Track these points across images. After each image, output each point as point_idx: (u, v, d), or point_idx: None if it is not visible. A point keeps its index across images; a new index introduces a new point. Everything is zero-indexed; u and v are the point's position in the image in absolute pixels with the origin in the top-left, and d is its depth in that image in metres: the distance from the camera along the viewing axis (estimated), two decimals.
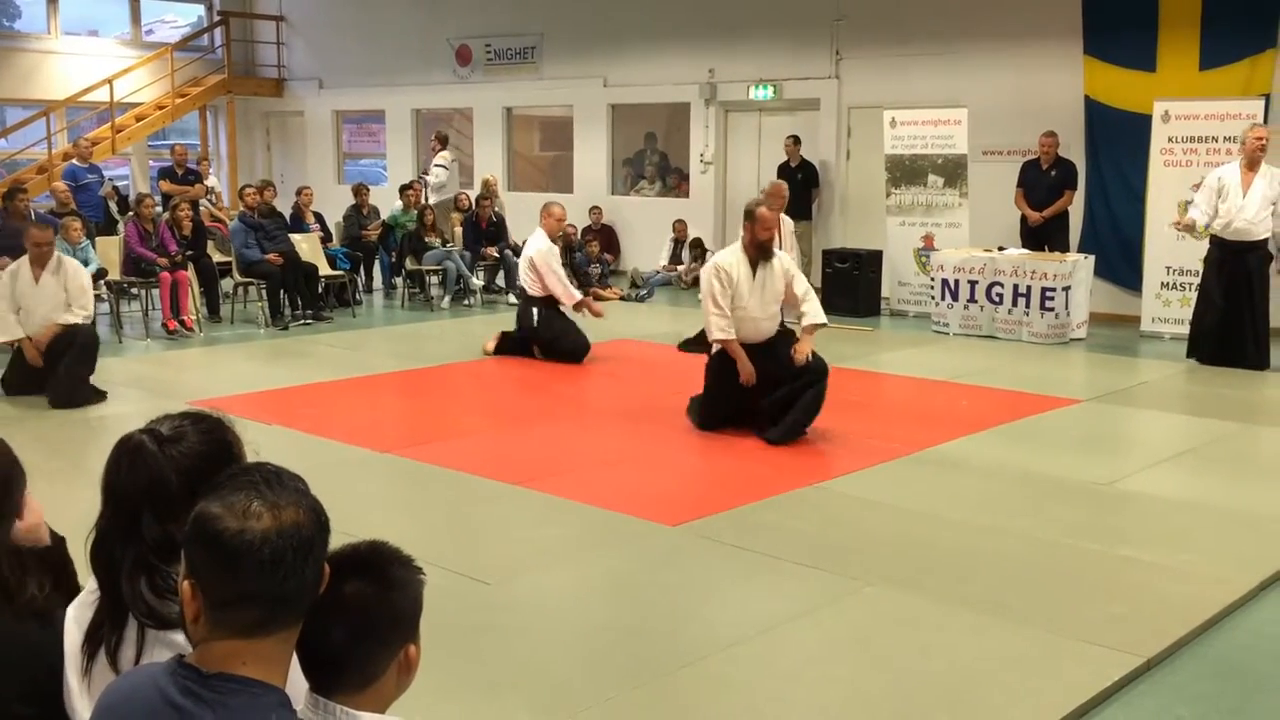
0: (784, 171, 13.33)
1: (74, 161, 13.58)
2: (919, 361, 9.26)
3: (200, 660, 1.60)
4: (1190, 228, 9.13)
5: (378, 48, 17.83)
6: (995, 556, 4.78)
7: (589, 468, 6.20)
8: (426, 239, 12.67)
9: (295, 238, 11.81)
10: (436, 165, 14.62)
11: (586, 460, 6.38)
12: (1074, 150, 11.43)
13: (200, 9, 20.26)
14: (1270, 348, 8.94)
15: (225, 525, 1.57)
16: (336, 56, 18.61)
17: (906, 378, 8.68)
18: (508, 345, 9.47)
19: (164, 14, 20.91)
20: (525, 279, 9.44)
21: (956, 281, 10.72)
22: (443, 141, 15.00)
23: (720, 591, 4.43)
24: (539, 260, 9.31)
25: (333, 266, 12.32)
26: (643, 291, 13.40)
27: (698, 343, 8.35)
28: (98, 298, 9.03)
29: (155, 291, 10.70)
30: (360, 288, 13.00)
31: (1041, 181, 11.22)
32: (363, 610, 1.67)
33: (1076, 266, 10.34)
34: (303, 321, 11.17)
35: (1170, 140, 10.30)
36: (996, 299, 10.50)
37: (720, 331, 6.68)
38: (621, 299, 13.11)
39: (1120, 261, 11.35)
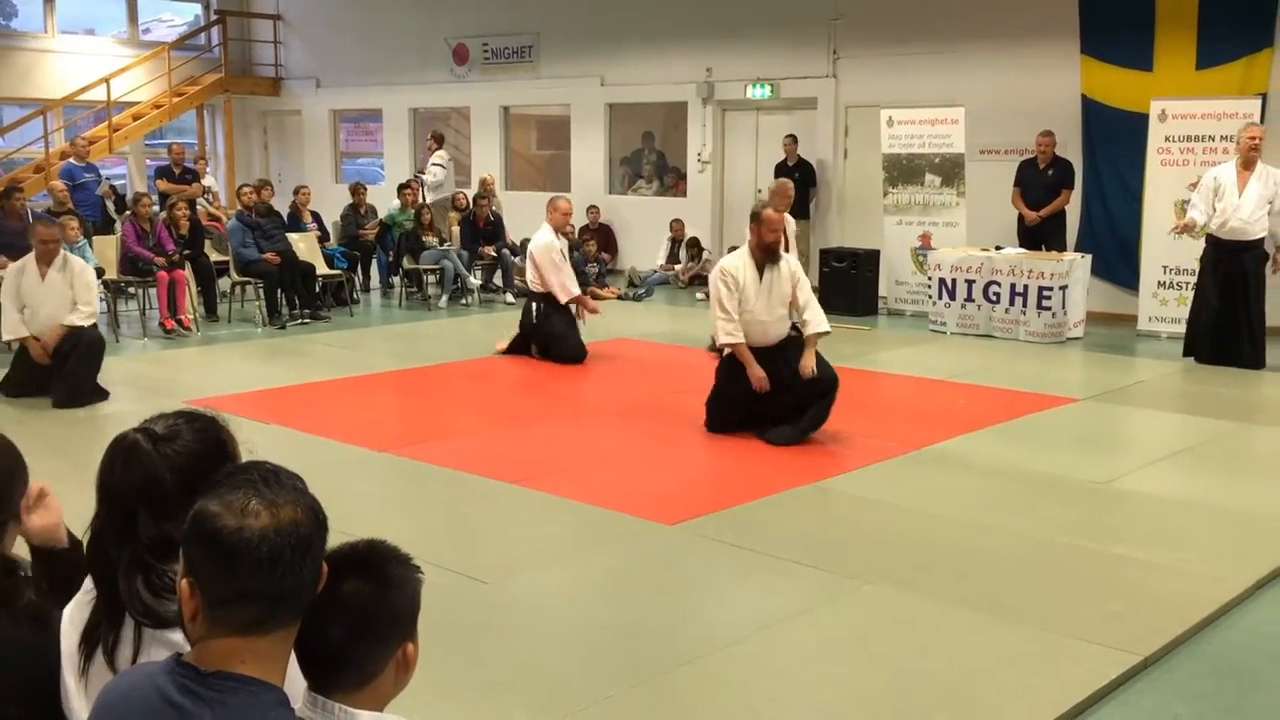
0: (781, 170, 13.33)
1: (71, 160, 13.57)
2: (916, 360, 9.27)
3: (198, 659, 1.60)
4: (1189, 228, 9.14)
5: (375, 47, 17.82)
6: (992, 555, 4.78)
7: (586, 467, 6.20)
8: (424, 238, 12.66)
9: (292, 237, 11.80)
10: (434, 164, 14.61)
11: (584, 459, 6.38)
12: (1071, 149, 11.44)
13: (197, 8, 20.24)
14: (1266, 347, 8.95)
15: (223, 523, 1.57)
16: (334, 55, 18.60)
17: (904, 377, 8.68)
18: (518, 345, 9.45)
19: (161, 13, 20.90)
20: (528, 273, 9.45)
21: (954, 281, 10.73)
22: (439, 140, 15.00)
23: (718, 590, 4.44)
24: (538, 254, 9.32)
25: (330, 266, 12.31)
26: (640, 291, 13.41)
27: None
28: None
29: (152, 291, 10.68)
30: (357, 287, 12.99)
31: (1038, 181, 11.23)
32: (361, 609, 1.67)
33: (1073, 266, 10.35)
34: (300, 321, 11.17)
35: (1167, 140, 10.31)
36: (993, 298, 10.51)
37: (728, 336, 6.65)
38: (619, 298, 13.11)
39: (1117, 261, 11.36)
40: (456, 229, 13.36)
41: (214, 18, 19.51)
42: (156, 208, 11.96)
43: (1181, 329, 9.50)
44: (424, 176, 14.54)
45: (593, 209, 14.92)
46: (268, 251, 11.18)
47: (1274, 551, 4.81)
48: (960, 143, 11.53)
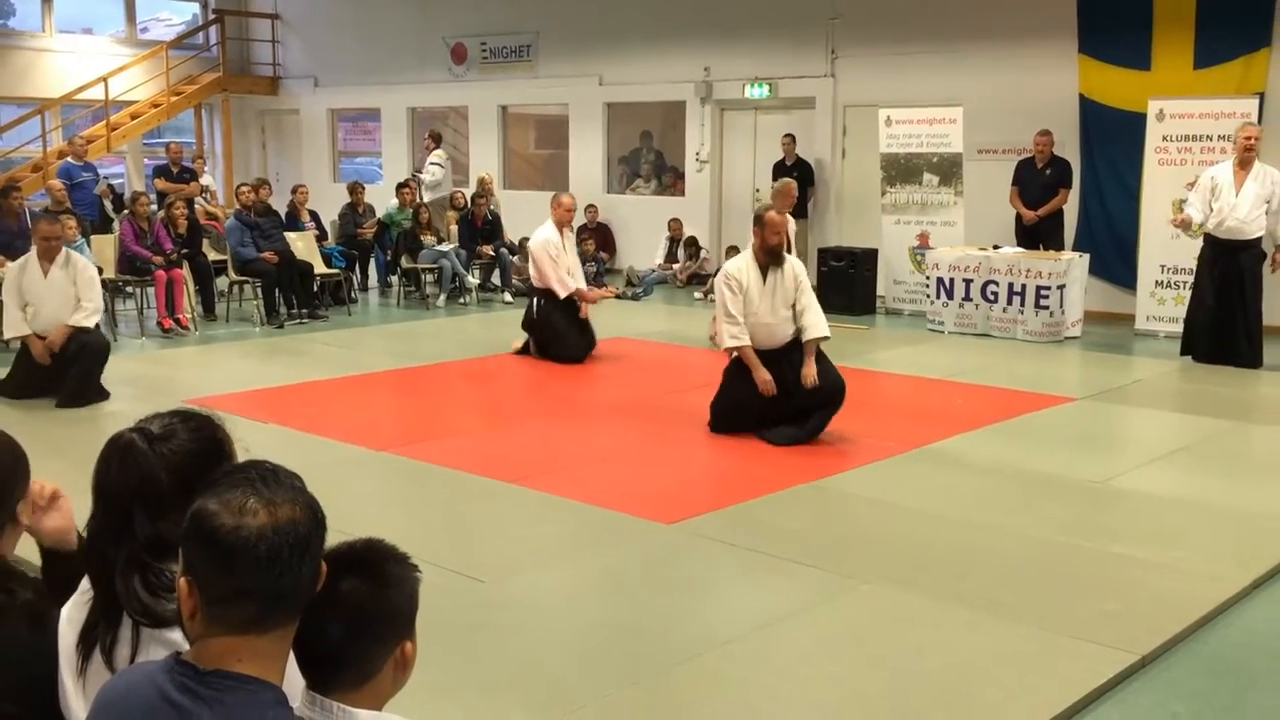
0: (780, 170, 13.33)
1: (69, 159, 13.57)
2: (914, 360, 9.27)
3: (197, 657, 1.61)
4: (1186, 225, 9.15)
5: (373, 46, 17.81)
6: (990, 554, 4.79)
7: (584, 466, 6.20)
8: (421, 237, 12.66)
9: (290, 236, 11.80)
10: (432, 163, 14.61)
11: (582, 458, 6.38)
12: (1069, 149, 11.45)
13: (195, 7, 20.23)
14: (1264, 346, 8.96)
15: (221, 522, 1.57)
16: (332, 55, 18.59)
17: (902, 376, 8.69)
18: (529, 346, 9.43)
19: (159, 12, 20.88)
20: (530, 270, 9.46)
21: (951, 280, 10.73)
22: (436, 140, 15.00)
23: (716, 589, 4.44)
24: (534, 249, 9.35)
25: (328, 265, 12.31)
26: (638, 290, 13.41)
27: None
28: None
29: (150, 290, 10.68)
30: (355, 286, 12.99)
31: (1036, 180, 11.24)
32: (359, 607, 1.67)
33: (1071, 265, 10.35)
34: (298, 320, 11.16)
35: (1165, 139, 10.32)
36: (991, 297, 10.51)
37: (733, 339, 6.63)
38: (617, 297, 13.11)
39: (1115, 260, 11.36)
40: (454, 228, 13.36)
41: (212, 17, 19.50)
42: (154, 207, 11.95)
43: (1179, 328, 9.51)
44: (422, 176, 14.54)
45: (591, 208, 14.92)
46: (266, 251, 11.18)
47: (1271, 550, 4.82)
48: (958, 142, 11.53)
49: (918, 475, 5.98)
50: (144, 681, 1.62)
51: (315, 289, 11.74)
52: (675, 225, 14.45)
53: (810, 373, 6.53)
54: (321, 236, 12.82)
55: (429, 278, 12.73)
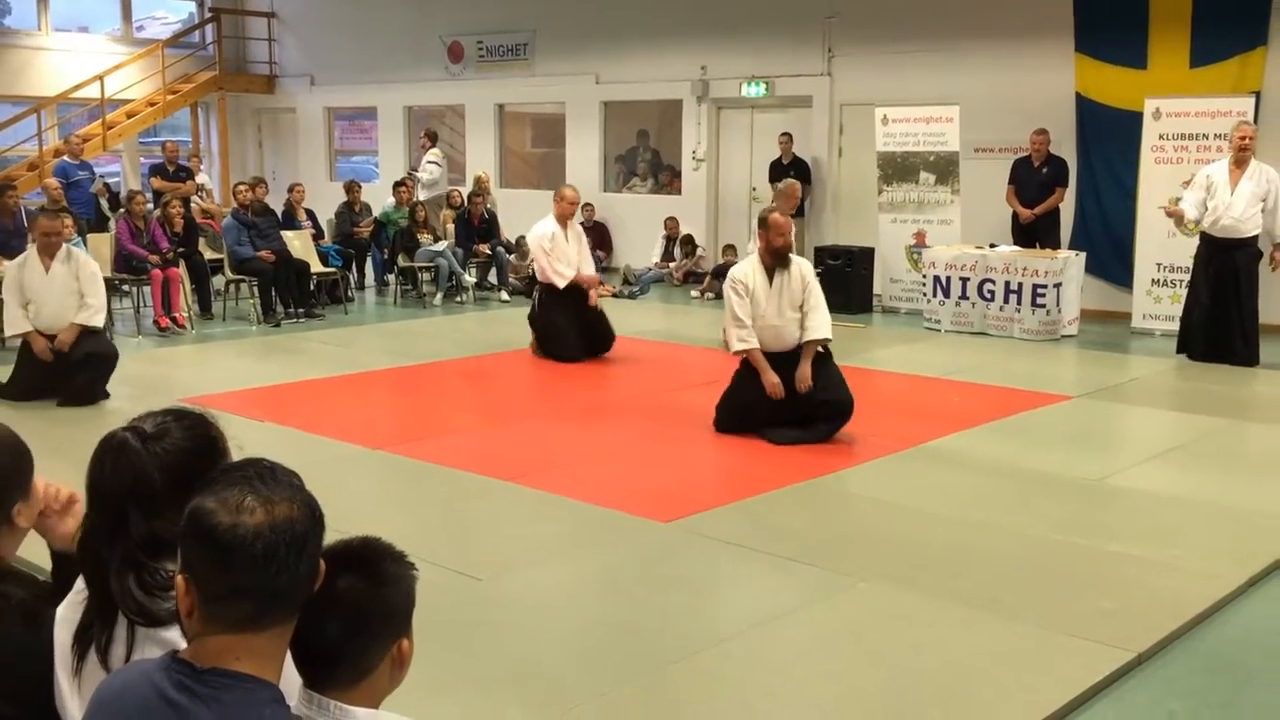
0: (777, 168, 13.35)
1: (65, 158, 13.56)
2: (911, 358, 9.28)
3: (194, 656, 1.61)
4: (1179, 218, 9.16)
5: (369, 44, 17.80)
6: (987, 552, 4.79)
7: (581, 464, 6.20)
8: (418, 236, 12.66)
9: (287, 235, 11.79)
10: (429, 162, 14.61)
11: (579, 456, 6.38)
12: (1065, 147, 11.46)
13: (191, 5, 20.21)
14: (1259, 344, 8.97)
15: (218, 520, 1.57)
16: (328, 53, 18.58)
17: (898, 374, 8.69)
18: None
19: (155, 10, 20.87)
20: (533, 263, 9.48)
21: (948, 278, 10.74)
22: (432, 138, 14.99)
23: (713, 587, 4.44)
24: (530, 241, 9.38)
25: (325, 263, 12.30)
26: (635, 289, 13.41)
27: None
28: None
29: (147, 289, 10.67)
30: (352, 285, 12.98)
31: (1033, 178, 11.25)
32: (355, 605, 1.67)
33: (1067, 263, 10.36)
34: (295, 319, 11.15)
35: (1161, 137, 10.33)
36: (988, 296, 10.52)
37: (741, 343, 6.61)
38: (614, 296, 13.10)
39: (1111, 258, 11.38)
40: (451, 227, 13.36)
41: (208, 15, 19.48)
42: (150, 206, 11.94)
43: (1175, 326, 9.52)
44: (419, 174, 14.53)
45: (587, 207, 14.90)
46: (263, 250, 11.17)
47: (1267, 548, 4.83)
48: (955, 141, 11.54)
49: (914, 473, 5.98)
50: (141, 680, 1.62)
51: (312, 288, 11.73)
52: (672, 224, 14.45)
53: (804, 374, 6.52)
54: (318, 235, 12.81)
55: (425, 276, 12.73)
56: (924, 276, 11.06)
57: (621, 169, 16.00)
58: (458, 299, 12.66)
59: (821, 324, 6.63)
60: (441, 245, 12.69)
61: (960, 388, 8.18)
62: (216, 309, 11.52)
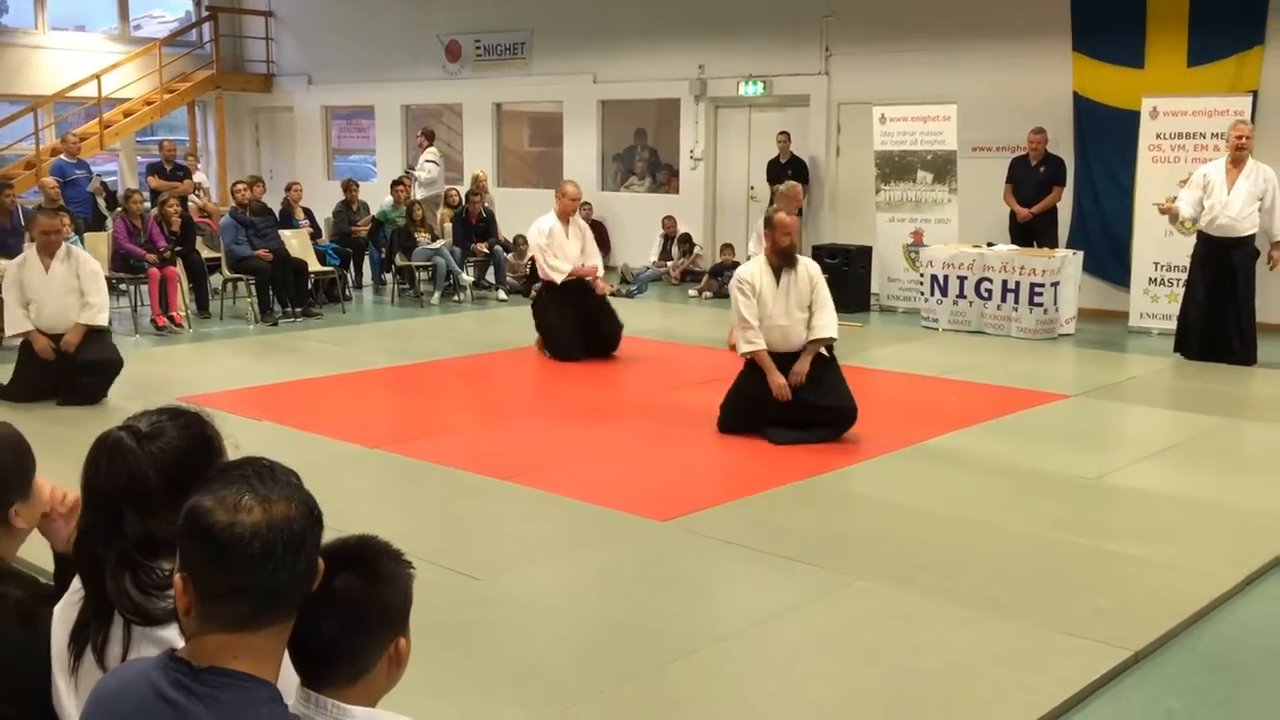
0: (774, 167, 13.36)
1: (62, 157, 13.55)
2: (908, 357, 9.29)
3: (191, 654, 1.60)
4: (1174, 215, 9.16)
5: (367, 43, 17.79)
6: (984, 551, 4.80)
7: (579, 463, 6.20)
8: (416, 235, 12.65)
9: (285, 234, 11.78)
10: (428, 161, 14.59)
11: (577, 455, 6.37)
12: (1063, 146, 11.46)
13: (188, 4, 20.19)
14: (1257, 343, 8.98)
15: (216, 518, 1.57)
16: (325, 52, 18.57)
17: (896, 373, 8.69)
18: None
19: (152, 9, 20.84)
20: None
21: (945, 277, 10.74)
22: (429, 137, 14.98)
23: (711, 586, 4.44)
24: (529, 236, 9.35)
25: (322, 262, 12.29)
26: (633, 287, 13.41)
27: None
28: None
29: (144, 287, 10.66)
30: (350, 284, 12.98)
31: (1030, 178, 11.25)
32: (352, 603, 1.67)
33: (1065, 262, 10.37)
34: (292, 318, 11.14)
35: (1158, 137, 10.34)
36: (985, 295, 10.53)
37: (748, 344, 6.58)
38: (612, 295, 13.07)
39: (1108, 257, 11.38)
40: (448, 225, 13.35)
41: (205, 14, 19.46)
42: (148, 204, 11.93)
43: (1173, 325, 9.53)
44: (417, 174, 14.52)
45: (585, 205, 14.87)
46: (261, 249, 11.16)
47: (1264, 546, 4.83)
48: (952, 140, 11.55)
49: (912, 472, 5.99)
50: (138, 678, 1.62)
51: (309, 286, 11.73)
52: (669, 222, 14.45)
53: (801, 369, 6.51)
54: (316, 234, 12.80)
55: (423, 275, 12.72)
56: (921, 275, 11.06)
57: (619, 168, 16.00)
58: (455, 298, 12.65)
59: (827, 323, 6.62)
60: (439, 244, 12.69)
61: (958, 386, 8.19)
62: (214, 308, 11.52)
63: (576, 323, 9.15)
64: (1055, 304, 10.20)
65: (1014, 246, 10.95)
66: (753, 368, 6.70)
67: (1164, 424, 7.31)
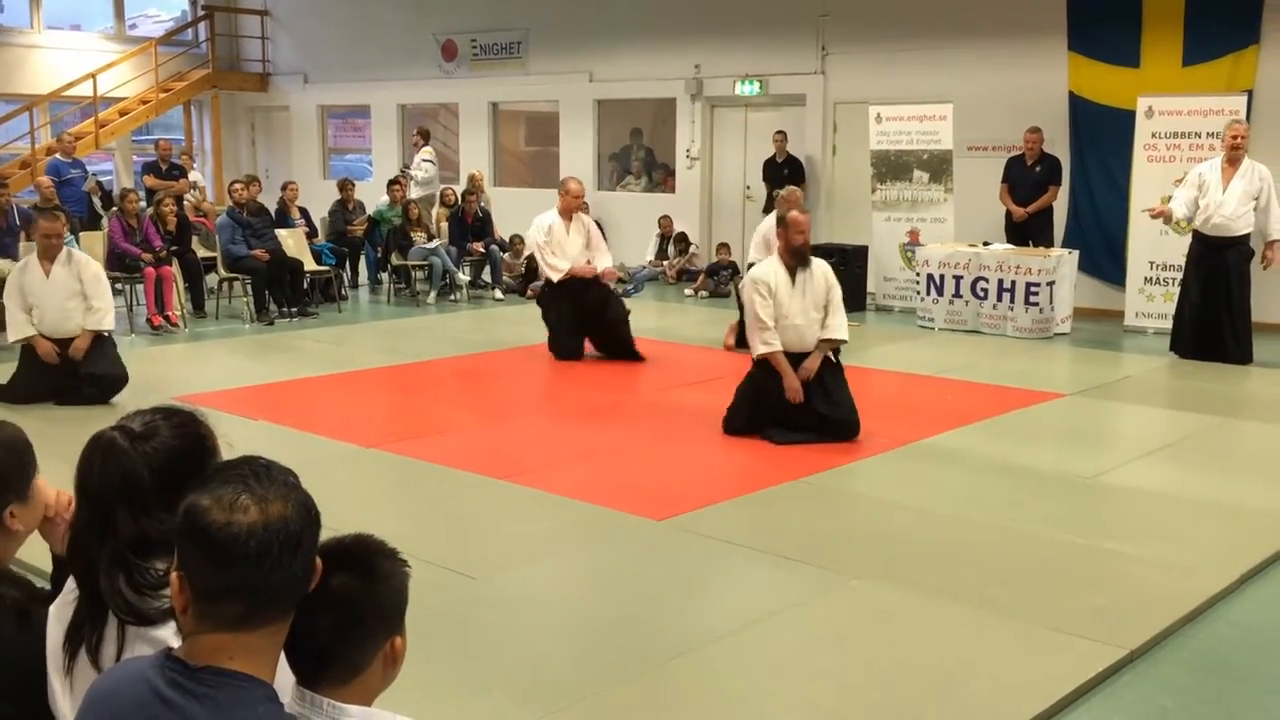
0: (770, 166, 13.37)
1: (57, 156, 13.52)
2: (904, 356, 9.29)
3: (188, 653, 1.60)
4: (1167, 217, 9.17)
5: (363, 43, 17.77)
6: (980, 550, 4.80)
7: (575, 462, 6.20)
8: (412, 234, 12.64)
9: (281, 233, 11.77)
10: (425, 160, 14.59)
11: (573, 454, 6.37)
12: (1059, 146, 11.47)
13: (184, 3, 20.17)
14: (1253, 342, 8.99)
15: (212, 518, 1.57)
16: (322, 51, 18.55)
17: (892, 372, 8.70)
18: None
19: (147, 8, 20.81)
20: None
21: (941, 276, 10.75)
22: (425, 137, 14.97)
23: (707, 585, 4.44)
24: (530, 233, 9.31)
25: (318, 262, 12.28)
26: (629, 287, 13.39)
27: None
28: None
29: (140, 287, 10.65)
30: (346, 283, 12.97)
31: (1026, 177, 11.26)
32: (348, 602, 1.67)
33: (1061, 262, 10.38)
34: (288, 317, 11.13)
35: (1154, 136, 10.35)
36: (981, 294, 10.53)
37: (765, 346, 6.54)
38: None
39: (1104, 256, 11.40)
40: (444, 225, 13.35)
41: (201, 13, 19.43)
42: (143, 204, 11.92)
43: (1168, 324, 9.54)
44: (413, 173, 14.51)
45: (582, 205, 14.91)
46: (257, 249, 11.15)
47: (1259, 545, 4.84)
48: (948, 139, 11.56)
49: (908, 471, 5.99)
50: (135, 677, 1.62)
51: (305, 286, 11.72)
52: (666, 222, 14.45)
53: (811, 366, 6.51)
54: (311, 233, 12.79)
55: (419, 275, 12.72)
56: (917, 275, 11.07)
57: (615, 167, 16.00)
58: (451, 297, 12.65)
59: (841, 325, 6.66)
60: (435, 244, 12.69)
61: (954, 386, 8.20)
62: (210, 307, 11.50)
63: (576, 322, 9.11)
64: (1051, 303, 10.21)
65: (1010, 246, 10.97)
66: (762, 369, 6.65)
67: (1159, 423, 7.32)
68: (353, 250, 13.34)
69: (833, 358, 6.72)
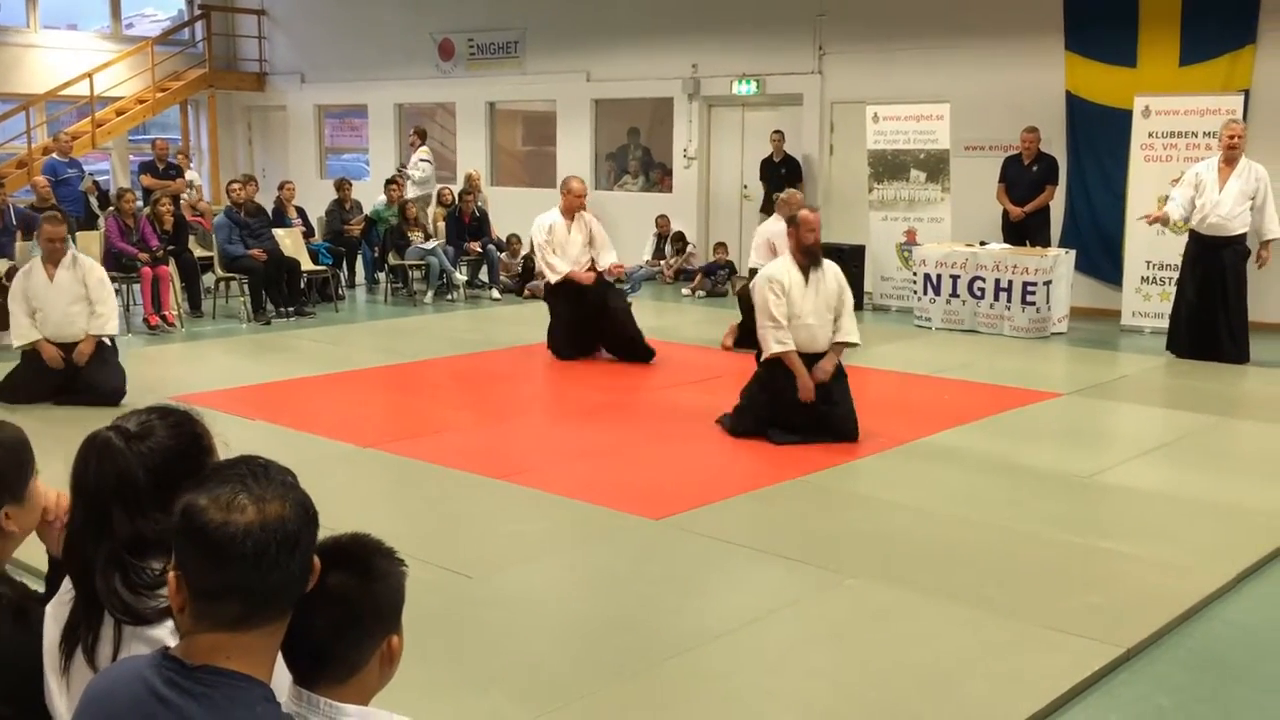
0: (768, 166, 13.37)
1: (54, 156, 13.50)
2: (901, 356, 9.30)
3: (185, 653, 1.60)
4: (1164, 221, 9.18)
5: (360, 42, 17.77)
6: (977, 548, 4.81)
7: (572, 462, 6.20)
8: (409, 234, 12.64)
9: (278, 233, 11.77)
10: (422, 160, 14.58)
11: (570, 454, 6.37)
12: (1055, 145, 11.48)
13: (181, 2, 20.14)
14: (1249, 341, 9.00)
15: (210, 517, 1.57)
16: (318, 51, 18.54)
17: (889, 372, 8.70)
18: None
19: (144, 7, 20.80)
20: None
21: (939, 276, 10.76)
22: (421, 136, 14.97)
23: (704, 584, 4.45)
24: (532, 233, 9.29)
25: (315, 261, 12.27)
26: (626, 286, 13.38)
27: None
28: None
29: (136, 287, 10.64)
30: (343, 283, 12.96)
31: (1023, 177, 11.27)
32: (345, 601, 1.67)
33: (1057, 261, 10.39)
34: (285, 317, 11.13)
35: (1150, 135, 10.36)
36: (978, 293, 10.54)
37: (778, 345, 6.50)
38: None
39: (1101, 256, 11.41)
40: (441, 225, 13.34)
41: (198, 12, 19.42)
42: (140, 203, 11.91)
43: (1165, 324, 9.54)
44: (410, 172, 14.50)
45: None
46: (255, 249, 11.14)
47: (1255, 544, 4.85)
48: (945, 139, 11.56)
49: (905, 470, 6.00)
50: (132, 676, 1.62)
51: (302, 286, 11.71)
52: (663, 221, 14.45)
53: (826, 367, 6.50)
54: (308, 233, 12.78)
55: (416, 274, 12.72)
56: (915, 274, 11.08)
57: (612, 167, 16.00)
58: (448, 297, 12.65)
59: (853, 328, 6.68)
60: (432, 243, 12.68)
61: (951, 385, 8.20)
62: (206, 307, 11.49)
63: (577, 323, 9.09)
64: (1048, 303, 10.22)
65: (1007, 245, 10.97)
66: (769, 370, 6.63)
67: (1156, 422, 7.33)
68: (350, 250, 13.33)
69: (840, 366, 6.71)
